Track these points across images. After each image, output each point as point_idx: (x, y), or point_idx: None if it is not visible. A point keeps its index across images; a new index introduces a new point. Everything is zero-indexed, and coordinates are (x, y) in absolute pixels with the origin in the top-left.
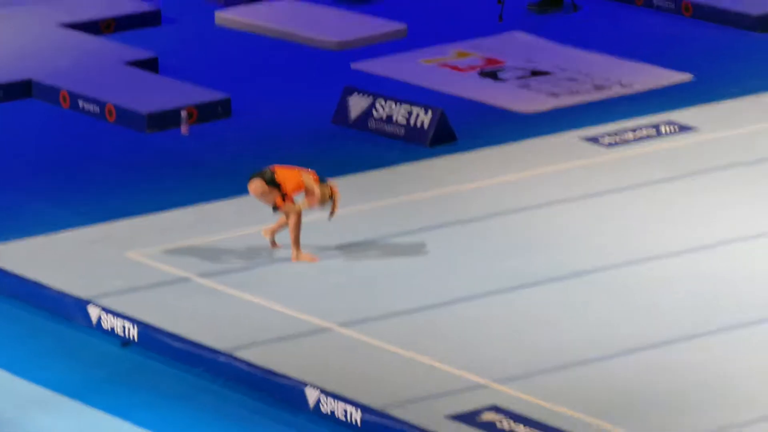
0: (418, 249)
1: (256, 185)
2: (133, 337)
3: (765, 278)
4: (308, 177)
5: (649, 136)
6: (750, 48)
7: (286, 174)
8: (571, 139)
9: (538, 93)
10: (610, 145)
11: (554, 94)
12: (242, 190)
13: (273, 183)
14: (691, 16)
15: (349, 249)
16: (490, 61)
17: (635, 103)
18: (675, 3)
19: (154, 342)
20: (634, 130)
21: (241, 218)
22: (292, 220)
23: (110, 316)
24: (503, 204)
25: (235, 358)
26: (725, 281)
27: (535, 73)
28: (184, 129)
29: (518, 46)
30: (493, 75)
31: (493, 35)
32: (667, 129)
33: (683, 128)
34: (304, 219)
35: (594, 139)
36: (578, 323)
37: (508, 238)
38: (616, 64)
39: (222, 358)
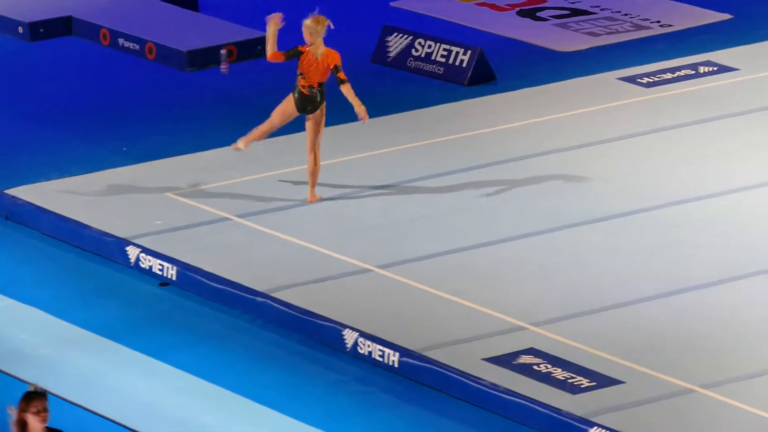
0: (455, 190)
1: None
2: (172, 277)
3: None
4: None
5: (687, 77)
6: None
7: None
8: (609, 78)
9: (577, 32)
10: (648, 85)
11: (593, 34)
12: (281, 129)
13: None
14: None
15: (387, 189)
16: None
17: (674, 43)
18: None
19: (193, 282)
20: (672, 71)
21: (280, 157)
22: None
23: (149, 256)
24: (541, 144)
25: (273, 299)
26: (763, 223)
27: (574, 13)
28: (223, 67)
29: None
30: (531, 14)
31: None
32: (706, 69)
33: (722, 68)
34: (345, 156)
35: (632, 79)
36: (615, 265)
37: (545, 178)
38: (656, 3)
39: (260, 299)
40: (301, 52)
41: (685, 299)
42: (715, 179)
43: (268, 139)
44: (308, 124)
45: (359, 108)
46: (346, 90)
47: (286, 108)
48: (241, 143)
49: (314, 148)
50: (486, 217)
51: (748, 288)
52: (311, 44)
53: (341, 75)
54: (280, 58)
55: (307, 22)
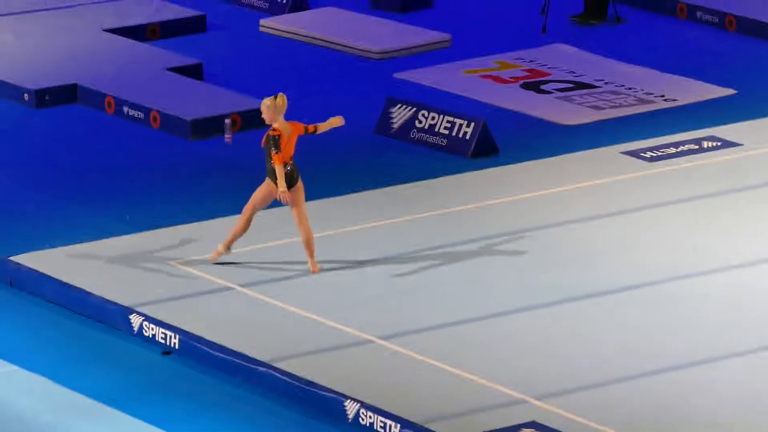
0: (457, 261)
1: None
2: (174, 345)
3: None
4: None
5: (691, 151)
6: None
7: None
8: (612, 152)
9: (580, 106)
10: (652, 159)
11: (597, 107)
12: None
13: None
14: (735, 30)
15: (390, 260)
16: (533, 72)
17: (678, 117)
18: (719, 17)
19: (195, 351)
20: (676, 145)
21: (283, 227)
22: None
23: (152, 324)
24: (543, 217)
25: (275, 369)
26: (767, 298)
27: (578, 86)
28: (227, 137)
29: (561, 58)
30: (535, 87)
31: (536, 47)
32: (710, 144)
33: (726, 144)
34: (347, 227)
35: (636, 154)
36: (617, 339)
37: (547, 251)
38: (660, 77)
39: (262, 369)
40: (279, 136)
41: (689, 373)
42: (718, 254)
43: (271, 209)
44: (291, 200)
45: (334, 120)
46: (322, 126)
47: (267, 191)
48: (222, 249)
49: (303, 220)
50: (488, 289)
51: (753, 363)
52: (275, 122)
53: (310, 127)
54: (280, 160)
55: (267, 102)
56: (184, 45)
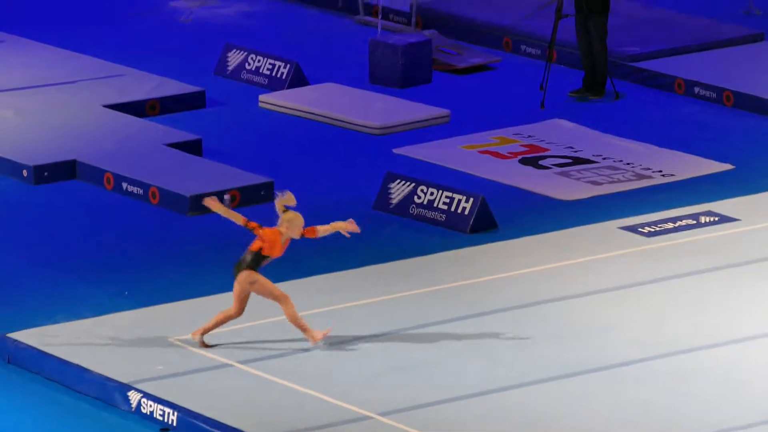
0: (455, 337)
1: (240, 280)
2: (173, 422)
3: None
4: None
5: (689, 227)
6: None
7: (266, 238)
8: (610, 228)
9: (579, 181)
10: (649, 234)
11: (595, 183)
12: (284, 276)
13: (256, 262)
14: (732, 105)
15: (387, 337)
16: (531, 148)
17: (676, 192)
18: (716, 92)
19: (194, 428)
20: (674, 220)
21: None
22: (288, 310)
23: (150, 401)
24: (541, 293)
25: None
26: (763, 374)
27: (576, 161)
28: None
29: (560, 133)
30: (534, 162)
31: (534, 122)
32: (707, 219)
33: (723, 219)
34: (346, 303)
35: (634, 229)
36: (616, 415)
37: (546, 327)
38: (657, 153)
39: None
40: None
41: None
42: (714, 330)
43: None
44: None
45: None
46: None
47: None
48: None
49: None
50: (486, 366)
51: None
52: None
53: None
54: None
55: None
56: (184, 121)
